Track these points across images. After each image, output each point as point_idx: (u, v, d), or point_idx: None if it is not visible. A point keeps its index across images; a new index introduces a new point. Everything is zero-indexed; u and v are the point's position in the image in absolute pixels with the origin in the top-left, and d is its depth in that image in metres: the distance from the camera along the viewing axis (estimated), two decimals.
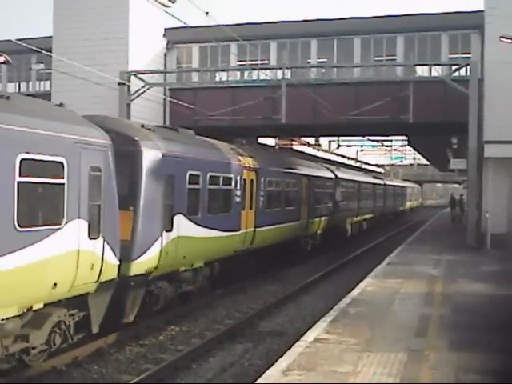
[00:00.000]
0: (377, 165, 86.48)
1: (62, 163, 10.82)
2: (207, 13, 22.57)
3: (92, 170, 11.76)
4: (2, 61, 27.88)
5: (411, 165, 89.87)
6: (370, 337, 10.76)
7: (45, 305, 10.88)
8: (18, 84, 38.00)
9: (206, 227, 17.21)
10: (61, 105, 12.28)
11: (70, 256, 11.05)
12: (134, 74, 30.19)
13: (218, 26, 34.68)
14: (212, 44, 32.58)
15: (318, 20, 33.87)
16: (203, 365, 12.39)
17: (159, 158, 14.79)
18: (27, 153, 9.95)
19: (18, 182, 9.72)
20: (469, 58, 30.01)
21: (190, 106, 30.36)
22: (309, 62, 33.38)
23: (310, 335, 10.85)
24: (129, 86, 29.83)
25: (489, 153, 26.50)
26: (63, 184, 10.86)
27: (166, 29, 34.21)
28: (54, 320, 11.24)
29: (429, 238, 34.32)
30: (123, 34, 31.19)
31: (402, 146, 61.83)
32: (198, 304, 17.41)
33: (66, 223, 10.92)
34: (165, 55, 34.44)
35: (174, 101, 30.95)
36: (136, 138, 14.38)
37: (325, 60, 34.01)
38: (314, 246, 30.68)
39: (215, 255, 18.37)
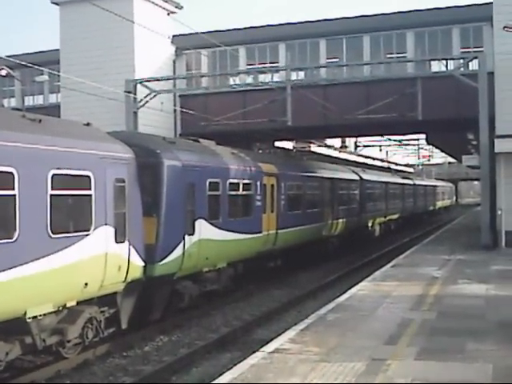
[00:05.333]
0: (407, 165, 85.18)
1: (89, 176, 12.12)
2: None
3: (117, 182, 13.04)
4: (4, 74, 28.14)
5: (443, 164, 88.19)
6: (335, 346, 10.19)
7: (78, 302, 12.11)
8: (32, 97, 38.26)
9: (227, 230, 18.24)
10: (88, 124, 13.51)
11: (98, 258, 12.35)
12: (140, 82, 30.00)
13: (226, 30, 34.48)
14: (221, 48, 32.25)
15: (326, 20, 33.27)
16: (184, 377, 12.00)
17: (179, 169, 15.85)
18: (58, 169, 11.19)
19: (51, 195, 10.99)
20: (481, 51, 29.05)
21: (191, 112, 29.94)
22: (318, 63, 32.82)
23: (272, 345, 10.34)
24: (135, 95, 29.67)
25: (500, 147, 25.38)
26: (91, 195, 12.19)
27: (173, 36, 34.01)
28: (87, 316, 12.46)
29: (449, 237, 33.50)
30: (129, 43, 31.07)
31: (416, 144, 60.51)
32: (195, 313, 17.04)
33: (94, 230, 12.23)
34: (174, 62, 34.25)
35: (184, 110, 30.69)
36: (158, 151, 15.42)
37: (335, 60, 33.40)
38: (340, 246, 30.59)
39: (238, 256, 19.32)
